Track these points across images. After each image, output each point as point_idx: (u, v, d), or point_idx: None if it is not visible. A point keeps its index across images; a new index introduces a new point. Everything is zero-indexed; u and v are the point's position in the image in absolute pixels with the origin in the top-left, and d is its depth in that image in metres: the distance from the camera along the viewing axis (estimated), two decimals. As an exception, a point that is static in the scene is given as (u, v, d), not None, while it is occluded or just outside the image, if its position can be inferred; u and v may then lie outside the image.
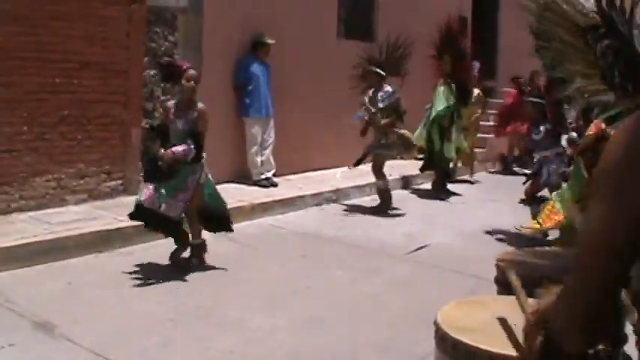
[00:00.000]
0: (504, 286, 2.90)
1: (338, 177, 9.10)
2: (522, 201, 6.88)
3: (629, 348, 1.77)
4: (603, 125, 4.29)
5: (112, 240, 5.81)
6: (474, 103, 9.85)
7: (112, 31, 6.83)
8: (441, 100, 8.85)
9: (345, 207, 8.05)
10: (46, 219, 6.04)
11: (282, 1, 8.77)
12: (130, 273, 5.22)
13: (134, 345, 3.94)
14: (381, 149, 7.76)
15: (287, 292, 4.98)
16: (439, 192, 9.04)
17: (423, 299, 4.64)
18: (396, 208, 7.91)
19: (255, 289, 5.02)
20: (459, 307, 2.38)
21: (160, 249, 5.45)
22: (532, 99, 6.93)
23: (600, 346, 1.86)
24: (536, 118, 6.71)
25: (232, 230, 5.68)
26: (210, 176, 5.41)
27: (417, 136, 8.73)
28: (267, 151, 8.44)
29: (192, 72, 5.25)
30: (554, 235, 5.95)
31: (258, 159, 8.36)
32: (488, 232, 6.93)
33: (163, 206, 5.14)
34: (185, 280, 5.09)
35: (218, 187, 5.72)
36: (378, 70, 7.70)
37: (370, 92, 7.81)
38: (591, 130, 4.49)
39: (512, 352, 1.95)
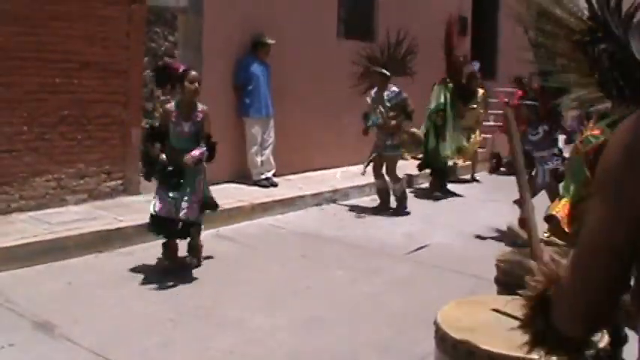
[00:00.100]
0: (504, 286, 2.91)
1: (338, 177, 9.10)
2: (517, 201, 6.82)
3: (630, 348, 1.77)
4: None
5: (112, 240, 5.81)
6: (479, 103, 9.87)
7: (112, 31, 6.83)
8: (434, 99, 8.96)
9: (345, 207, 8.05)
10: (46, 219, 6.04)
11: (282, 1, 8.77)
12: (130, 273, 5.22)
13: (134, 345, 3.94)
14: (389, 150, 7.75)
15: (287, 292, 4.98)
16: (435, 191, 9.06)
17: (423, 299, 4.64)
18: (393, 208, 7.91)
19: (255, 289, 5.02)
20: (459, 307, 2.38)
21: (160, 249, 5.44)
22: (526, 102, 6.92)
23: (600, 346, 1.87)
24: (532, 119, 6.71)
25: (218, 207, 5.63)
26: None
27: None
28: (267, 151, 8.45)
29: (194, 74, 5.22)
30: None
31: (258, 159, 8.36)
32: (489, 232, 6.92)
33: (183, 212, 5.11)
34: (185, 280, 5.09)
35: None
36: (383, 70, 7.68)
37: (372, 92, 7.80)
38: (596, 130, 4.45)
39: (512, 352, 1.95)
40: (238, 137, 8.31)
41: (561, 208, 5.16)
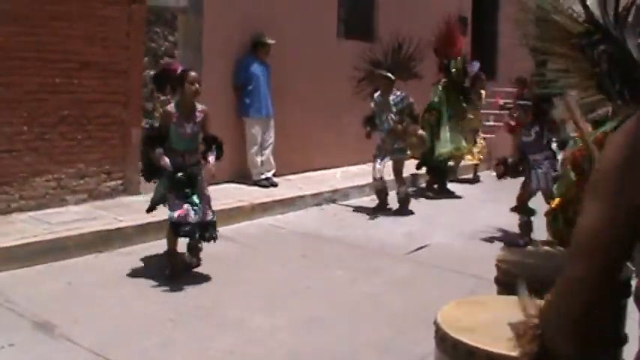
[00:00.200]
0: (504, 286, 2.91)
1: (338, 177, 9.11)
2: (514, 209, 6.74)
3: (630, 348, 1.77)
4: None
5: (112, 240, 5.81)
6: (484, 106, 9.89)
7: (112, 31, 6.83)
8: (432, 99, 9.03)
9: (345, 207, 8.05)
10: (46, 219, 6.04)
11: (282, 1, 8.77)
12: (130, 273, 5.22)
13: (134, 345, 3.94)
14: (396, 153, 7.76)
15: (287, 292, 4.98)
16: (430, 190, 9.06)
17: (423, 299, 4.64)
18: (392, 209, 7.90)
19: (255, 289, 5.02)
20: (459, 307, 2.38)
21: (160, 249, 5.44)
22: (520, 102, 6.91)
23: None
24: (526, 121, 6.71)
25: None
26: None
27: None
28: (267, 151, 8.45)
29: (193, 74, 5.18)
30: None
31: (258, 159, 8.36)
32: (489, 232, 6.92)
33: (200, 214, 5.10)
34: (185, 280, 5.09)
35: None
36: (388, 74, 7.68)
37: (375, 96, 7.79)
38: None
39: (512, 352, 1.95)
40: (238, 137, 8.31)
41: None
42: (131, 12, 6.96)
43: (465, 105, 9.19)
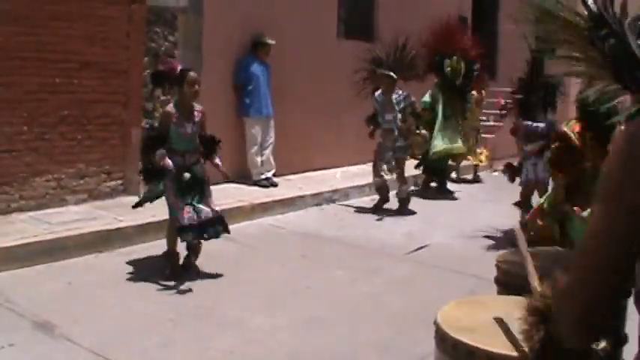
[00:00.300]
0: (504, 286, 2.91)
1: (338, 177, 9.11)
2: (516, 204, 6.78)
3: (630, 348, 1.77)
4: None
5: (112, 240, 5.81)
6: (485, 105, 9.87)
7: (112, 31, 6.83)
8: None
9: (345, 207, 8.05)
10: (46, 219, 6.04)
11: (282, 1, 8.77)
12: (130, 273, 5.22)
13: (134, 345, 3.94)
14: (399, 152, 7.76)
15: (287, 292, 4.98)
16: (426, 190, 9.06)
17: (423, 299, 4.64)
18: (393, 209, 7.91)
19: (255, 289, 5.02)
20: (459, 307, 2.38)
21: (160, 249, 5.44)
22: (516, 95, 6.97)
23: (601, 346, 1.87)
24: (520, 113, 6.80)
25: None
26: None
27: None
28: (267, 151, 8.45)
29: (193, 75, 5.16)
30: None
31: (258, 159, 8.36)
32: (489, 232, 6.92)
33: (204, 213, 5.09)
34: (185, 280, 5.09)
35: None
36: (391, 73, 7.68)
37: (376, 94, 7.79)
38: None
39: (512, 352, 1.95)
40: (238, 137, 8.31)
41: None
42: (131, 12, 6.96)
43: (468, 104, 9.18)
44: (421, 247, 6.35)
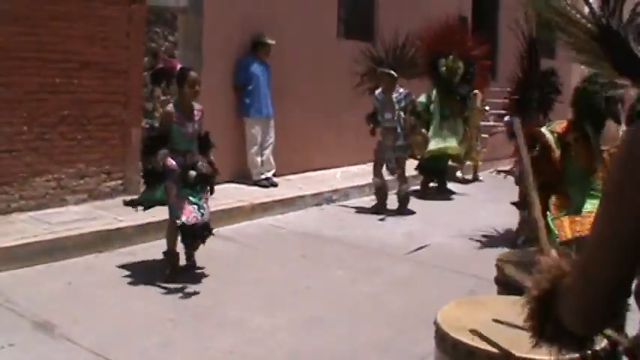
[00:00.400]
0: (504, 286, 2.91)
1: (338, 177, 9.11)
2: (515, 203, 6.73)
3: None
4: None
5: (112, 240, 5.81)
6: (484, 107, 9.88)
7: (112, 31, 6.83)
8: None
9: (344, 207, 8.05)
10: (46, 219, 6.04)
11: (282, 1, 8.77)
12: (130, 273, 5.22)
13: (134, 345, 3.94)
14: (399, 151, 7.76)
15: (287, 292, 4.98)
16: (425, 190, 9.06)
17: (423, 299, 4.64)
18: (391, 209, 7.90)
19: (255, 289, 5.02)
20: (459, 307, 2.38)
21: (160, 249, 5.44)
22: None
23: (601, 345, 1.87)
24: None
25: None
26: None
27: None
28: (267, 151, 8.45)
29: (194, 76, 5.13)
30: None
31: (258, 159, 8.36)
32: (489, 232, 6.92)
33: (205, 215, 5.09)
34: (185, 280, 5.09)
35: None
36: (391, 71, 7.67)
37: (377, 93, 7.79)
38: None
39: (512, 352, 1.95)
40: (238, 137, 8.31)
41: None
42: (131, 12, 6.96)
43: (468, 105, 9.14)
44: (421, 247, 6.35)
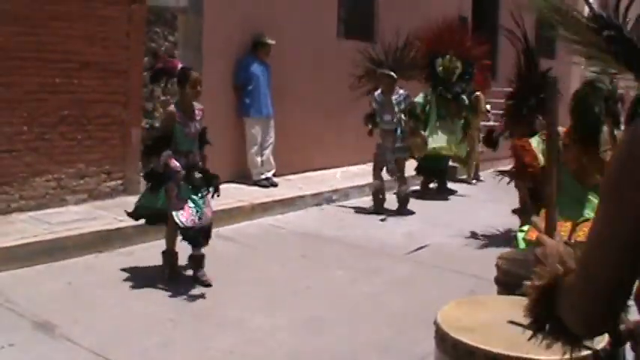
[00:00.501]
0: (504, 286, 2.91)
1: (338, 177, 9.11)
2: (515, 211, 6.66)
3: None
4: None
5: (112, 240, 5.81)
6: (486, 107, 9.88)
7: (112, 31, 6.83)
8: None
9: (344, 207, 8.05)
10: (46, 219, 6.04)
11: (282, 1, 8.77)
12: (130, 273, 5.22)
13: (134, 345, 3.94)
14: (399, 152, 7.76)
15: (287, 292, 4.98)
16: (425, 191, 9.06)
17: (423, 299, 4.64)
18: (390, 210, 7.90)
19: (255, 289, 5.02)
20: (459, 307, 2.38)
21: (160, 249, 5.43)
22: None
23: (602, 345, 1.87)
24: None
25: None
26: None
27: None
28: (267, 151, 8.45)
29: (195, 76, 5.08)
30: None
31: (258, 159, 8.36)
32: (489, 232, 6.93)
33: (204, 217, 5.01)
34: (185, 280, 5.09)
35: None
36: (391, 73, 7.66)
37: (376, 94, 7.78)
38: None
39: (512, 353, 1.95)
40: (238, 137, 8.31)
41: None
42: (131, 12, 6.96)
43: (460, 101, 9.08)
44: (421, 247, 6.35)
